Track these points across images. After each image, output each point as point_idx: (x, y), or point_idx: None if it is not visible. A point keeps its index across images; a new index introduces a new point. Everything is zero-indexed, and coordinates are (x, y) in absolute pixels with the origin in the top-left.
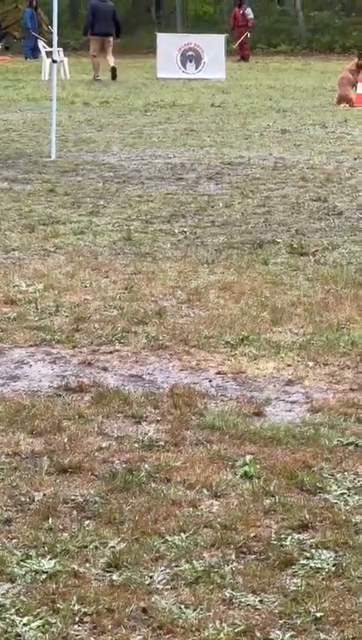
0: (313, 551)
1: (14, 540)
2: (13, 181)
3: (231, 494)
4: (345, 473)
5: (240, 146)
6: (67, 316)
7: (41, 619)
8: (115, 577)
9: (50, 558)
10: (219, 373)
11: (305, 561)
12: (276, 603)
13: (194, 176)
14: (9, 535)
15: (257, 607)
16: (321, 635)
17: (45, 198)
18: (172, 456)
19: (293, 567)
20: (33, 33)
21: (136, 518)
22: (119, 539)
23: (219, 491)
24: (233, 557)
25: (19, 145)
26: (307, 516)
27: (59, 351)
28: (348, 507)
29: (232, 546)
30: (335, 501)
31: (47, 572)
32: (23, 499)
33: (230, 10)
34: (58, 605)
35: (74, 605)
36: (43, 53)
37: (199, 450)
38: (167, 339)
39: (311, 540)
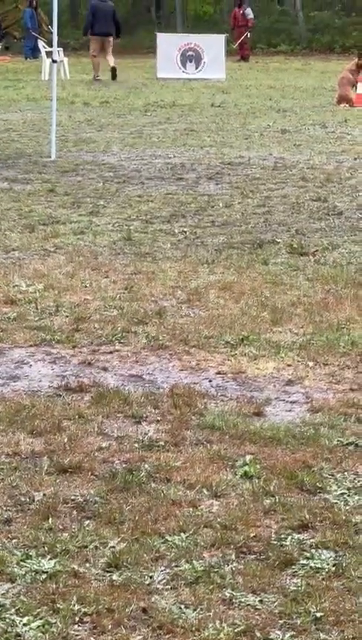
0: (313, 551)
1: (14, 540)
2: (13, 181)
3: (231, 494)
4: (345, 473)
5: (240, 146)
6: (67, 316)
7: (41, 619)
8: (115, 577)
9: (50, 558)
10: (219, 373)
11: (305, 561)
12: (276, 603)
13: (194, 176)
14: (9, 535)
15: (257, 607)
16: (321, 635)
17: (45, 198)
18: (172, 456)
19: (293, 567)
20: (33, 33)
21: (136, 518)
22: (119, 539)
23: (219, 491)
24: (233, 557)
25: (19, 145)
26: (307, 516)
27: (59, 351)
28: (348, 507)
29: (232, 546)
30: (335, 501)
31: (47, 572)
32: (23, 499)
33: (230, 10)
34: (58, 605)
35: (74, 605)
36: (43, 53)
37: (199, 450)
38: (167, 339)
39: (311, 540)
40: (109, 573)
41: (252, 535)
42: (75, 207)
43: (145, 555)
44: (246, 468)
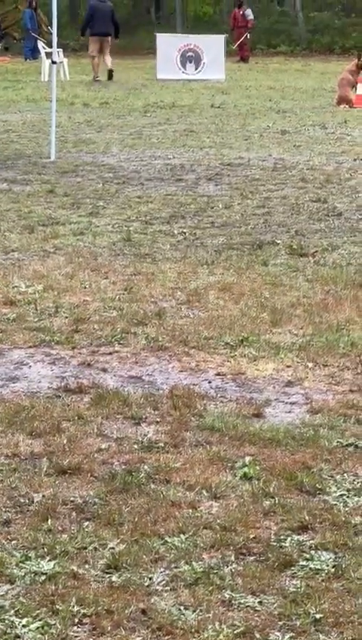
0: (312, 552)
1: (14, 542)
2: (12, 182)
3: (230, 495)
4: (345, 474)
5: (239, 147)
6: (66, 317)
7: (40, 620)
8: (114, 579)
9: (50, 560)
10: (218, 374)
11: (304, 563)
12: (275, 604)
13: (194, 177)
14: (8, 536)
15: (257, 608)
16: (321, 636)
17: (45, 199)
18: (171, 458)
19: (293, 568)
20: (33, 34)
21: (136, 519)
22: (118, 540)
23: (219, 492)
24: (232, 558)
25: (18, 146)
26: (306, 517)
27: (58, 352)
28: (347, 508)
29: (232, 548)
30: (334, 502)
31: (46, 573)
32: (22, 500)
33: (230, 10)
34: (57, 606)
35: (73, 606)
36: (42, 54)
37: (198, 452)
38: (167, 340)
39: (311, 542)
40: (109, 575)
41: (251, 536)
42: (74, 208)
43: (144, 557)
44: (246, 469)
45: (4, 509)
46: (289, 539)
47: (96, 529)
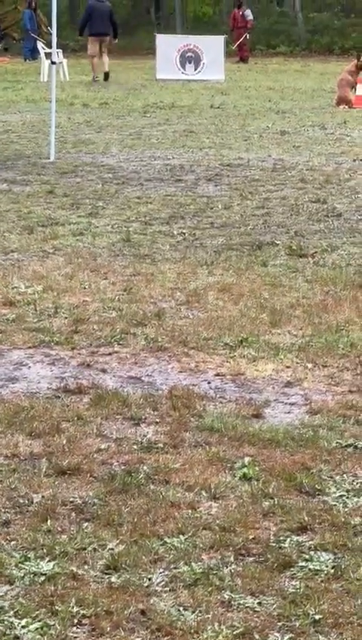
0: (312, 553)
1: (13, 542)
2: (12, 182)
3: (229, 496)
4: (344, 475)
5: (239, 147)
6: (66, 318)
7: (39, 621)
8: (113, 579)
9: (49, 560)
10: (217, 374)
11: (303, 563)
12: (275, 605)
13: (193, 177)
14: (7, 537)
15: (256, 609)
16: (320, 637)
17: (44, 200)
18: (171, 458)
19: (292, 569)
20: (32, 34)
21: (135, 520)
22: (118, 541)
23: (218, 493)
24: (232, 559)
25: (18, 146)
26: (306, 518)
27: (58, 352)
28: (346, 509)
29: (231, 548)
30: (334, 503)
31: (45, 574)
32: (21, 501)
33: (229, 11)
34: (57, 607)
35: (72, 607)
36: (42, 55)
37: (198, 452)
38: (166, 340)
39: (310, 542)
40: (108, 576)
41: (251, 537)
42: (74, 208)
43: (143, 557)
44: (245, 470)
45: (3, 510)
46: (288, 539)
47: (96, 530)
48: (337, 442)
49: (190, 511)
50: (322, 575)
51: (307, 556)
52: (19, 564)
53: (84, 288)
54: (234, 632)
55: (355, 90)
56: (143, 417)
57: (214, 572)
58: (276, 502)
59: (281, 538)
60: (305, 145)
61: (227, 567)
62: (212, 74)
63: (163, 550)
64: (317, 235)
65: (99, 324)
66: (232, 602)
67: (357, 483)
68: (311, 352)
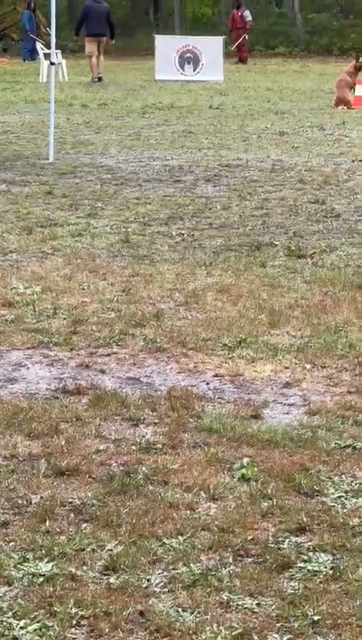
0: (310, 554)
1: (11, 543)
2: (10, 183)
3: (228, 497)
4: (343, 476)
5: (238, 148)
6: (65, 319)
7: (38, 622)
8: (112, 580)
9: (48, 561)
10: (216, 375)
11: (302, 564)
12: (273, 606)
13: (192, 178)
14: (6, 538)
15: (254, 610)
16: (319, 638)
17: (43, 201)
18: (169, 459)
19: (291, 570)
20: (31, 35)
21: (134, 520)
22: (116, 542)
23: (217, 494)
24: (230, 560)
25: (17, 147)
26: (304, 519)
27: (56, 353)
28: (345, 510)
29: (230, 549)
30: (332, 504)
31: (44, 575)
32: (20, 502)
33: (228, 12)
34: (55, 608)
35: (71, 608)
36: (41, 55)
37: (196, 453)
38: (165, 341)
39: (309, 543)
40: (107, 576)
41: (249, 538)
42: (72, 209)
43: (142, 558)
44: (244, 471)
45: (2, 511)
46: (287, 540)
47: (94, 530)
48: (336, 443)
49: (189, 512)
50: (321, 576)
51: (305, 557)
52: (18, 565)
53: (83, 289)
54: (233, 633)
55: (354, 91)
56: (142, 418)
57: (213, 573)
58: (275, 503)
59: (280, 539)
60: (303, 146)
61: (226, 568)
62: (211, 75)
63: (161, 551)
64: (315, 236)
65: (97, 324)
66: (231, 603)
67: (355, 484)
68: (310, 352)
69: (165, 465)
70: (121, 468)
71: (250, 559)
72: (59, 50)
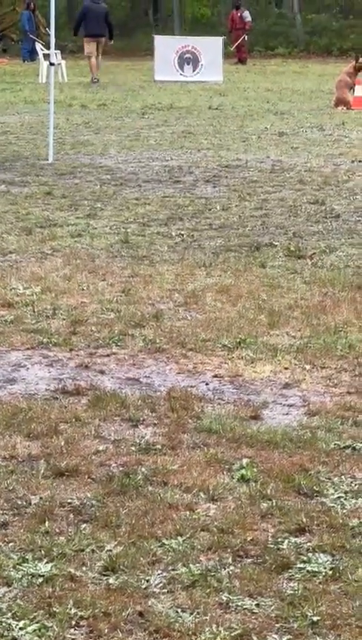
0: (310, 554)
1: (11, 544)
2: (10, 184)
3: (228, 498)
4: (342, 477)
5: (237, 148)
6: (64, 319)
7: (37, 623)
8: (111, 581)
9: (47, 562)
10: (216, 376)
11: (301, 565)
12: (273, 607)
13: (192, 179)
14: (5, 538)
15: (254, 610)
16: (318, 638)
17: (42, 201)
18: (169, 460)
19: (290, 570)
20: (31, 36)
21: (133, 521)
22: (116, 542)
23: (216, 495)
24: (230, 561)
25: (16, 147)
26: (304, 520)
27: (56, 354)
28: (344, 511)
29: (229, 550)
30: (332, 505)
31: (43, 576)
32: (19, 502)
33: (227, 12)
34: (54, 609)
35: (70, 609)
36: (40, 56)
37: (196, 454)
38: (164, 342)
39: (308, 544)
40: (106, 577)
41: (249, 539)
42: (72, 209)
43: (141, 559)
44: (243, 471)
45: (1, 511)
46: (286, 541)
47: (94, 531)
48: (335, 444)
49: (188, 512)
50: (320, 576)
51: (305, 558)
52: (17, 566)
53: (83, 290)
54: (232, 634)
55: (353, 91)
56: (141, 419)
57: (212, 573)
58: (274, 503)
59: (279, 539)
60: (303, 146)
61: (225, 569)
62: (210, 75)
63: (161, 552)
64: (315, 237)
65: (97, 325)
66: (230, 604)
67: (355, 484)
68: (310, 353)
69: (164, 465)
70: (121, 468)
71: (249, 560)
72: (59, 51)
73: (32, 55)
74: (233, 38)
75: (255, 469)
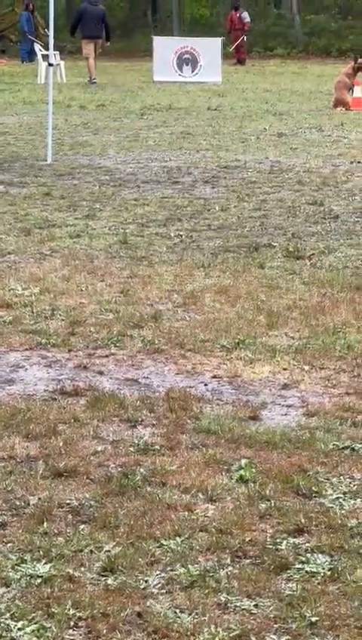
0: (308, 555)
1: (9, 544)
2: (9, 184)
3: (226, 498)
4: (341, 477)
5: (236, 149)
6: (63, 320)
7: (35, 623)
8: (110, 581)
9: (45, 563)
10: (214, 376)
11: (300, 566)
12: (271, 607)
13: (191, 179)
14: (4, 539)
15: (252, 611)
16: (316, 639)
17: (41, 202)
18: (167, 460)
19: (289, 571)
20: (30, 37)
21: (132, 522)
22: (114, 543)
23: (215, 495)
24: (228, 561)
25: (15, 148)
26: (302, 520)
27: (54, 354)
28: (343, 511)
29: (228, 550)
30: (330, 505)
31: (42, 576)
32: (18, 503)
33: (226, 13)
34: (53, 610)
35: (69, 610)
36: (39, 57)
37: (195, 454)
38: (163, 342)
39: (307, 544)
40: (104, 578)
41: (247, 539)
42: (71, 210)
43: (140, 560)
44: (242, 472)
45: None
46: (285, 542)
47: (92, 532)
48: (334, 444)
49: (186, 513)
50: (319, 577)
51: (303, 558)
52: (16, 567)
53: (81, 290)
54: (231, 635)
55: (352, 92)
56: (140, 419)
57: (211, 574)
58: (273, 504)
59: (278, 540)
60: (302, 147)
61: (223, 570)
62: (209, 76)
63: (159, 552)
64: (314, 237)
65: (95, 326)
66: (229, 604)
67: (353, 485)
68: (308, 354)
69: (163, 466)
70: (119, 469)
71: (247, 560)
72: (58, 52)
73: (30, 56)
74: (232, 39)
75: (253, 470)
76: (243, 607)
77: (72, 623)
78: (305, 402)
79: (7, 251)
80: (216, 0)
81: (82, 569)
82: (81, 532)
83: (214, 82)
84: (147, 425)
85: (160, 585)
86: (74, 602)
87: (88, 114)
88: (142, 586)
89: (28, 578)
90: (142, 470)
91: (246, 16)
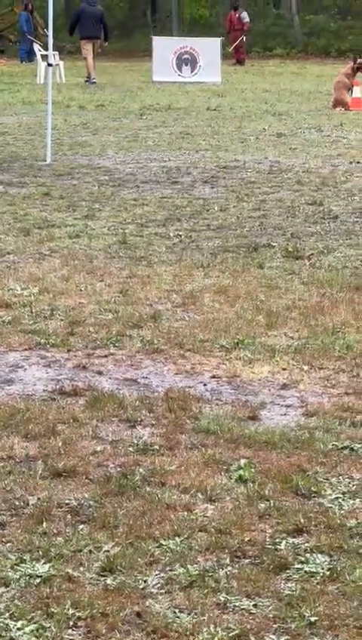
0: (307, 555)
1: (8, 544)
2: (8, 185)
3: (225, 498)
4: (340, 477)
5: (235, 149)
6: (62, 320)
7: (35, 623)
8: (109, 581)
9: (45, 562)
10: (213, 377)
11: (299, 566)
12: (270, 607)
13: (190, 179)
14: (3, 539)
15: (251, 611)
16: (316, 639)
17: (40, 202)
18: (166, 460)
19: (288, 571)
20: (29, 37)
21: (131, 522)
22: (113, 543)
23: (214, 495)
24: (227, 561)
25: (14, 148)
26: (301, 520)
27: (53, 354)
28: (342, 511)
29: (227, 550)
30: (329, 505)
31: (41, 576)
32: (17, 503)
33: (226, 13)
34: (52, 609)
35: (68, 609)
36: (38, 57)
37: (194, 454)
38: (162, 342)
39: (306, 544)
40: (103, 578)
41: (246, 539)
42: (70, 210)
43: (139, 559)
44: (241, 472)
45: None
46: (284, 542)
47: (91, 532)
48: (333, 444)
49: (186, 513)
50: (318, 577)
51: (303, 558)
52: (15, 566)
53: (80, 290)
54: (230, 634)
55: (351, 92)
56: (139, 419)
57: (210, 574)
58: (272, 504)
59: (277, 540)
60: (301, 147)
61: (223, 570)
62: (208, 76)
63: (158, 552)
64: (313, 237)
65: (95, 326)
66: (228, 604)
67: (352, 485)
68: (307, 354)
69: (162, 466)
70: (118, 469)
71: (247, 560)
72: (57, 52)
73: (29, 56)
74: (231, 39)
75: (253, 470)
76: (242, 607)
77: (71, 623)
78: (304, 402)
79: (7, 251)
80: (215, 0)
81: (81, 569)
82: (80, 532)
83: (213, 82)
84: (146, 425)
85: (159, 585)
86: (73, 602)
87: (87, 114)
88: (141, 586)
89: (27, 578)
90: (141, 470)
91: (245, 17)
